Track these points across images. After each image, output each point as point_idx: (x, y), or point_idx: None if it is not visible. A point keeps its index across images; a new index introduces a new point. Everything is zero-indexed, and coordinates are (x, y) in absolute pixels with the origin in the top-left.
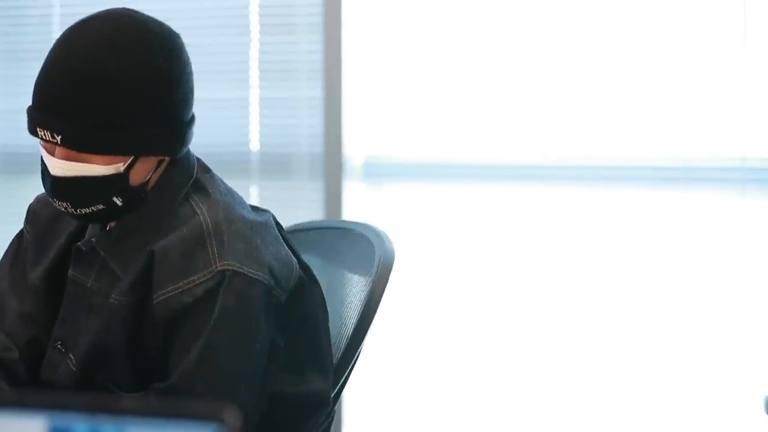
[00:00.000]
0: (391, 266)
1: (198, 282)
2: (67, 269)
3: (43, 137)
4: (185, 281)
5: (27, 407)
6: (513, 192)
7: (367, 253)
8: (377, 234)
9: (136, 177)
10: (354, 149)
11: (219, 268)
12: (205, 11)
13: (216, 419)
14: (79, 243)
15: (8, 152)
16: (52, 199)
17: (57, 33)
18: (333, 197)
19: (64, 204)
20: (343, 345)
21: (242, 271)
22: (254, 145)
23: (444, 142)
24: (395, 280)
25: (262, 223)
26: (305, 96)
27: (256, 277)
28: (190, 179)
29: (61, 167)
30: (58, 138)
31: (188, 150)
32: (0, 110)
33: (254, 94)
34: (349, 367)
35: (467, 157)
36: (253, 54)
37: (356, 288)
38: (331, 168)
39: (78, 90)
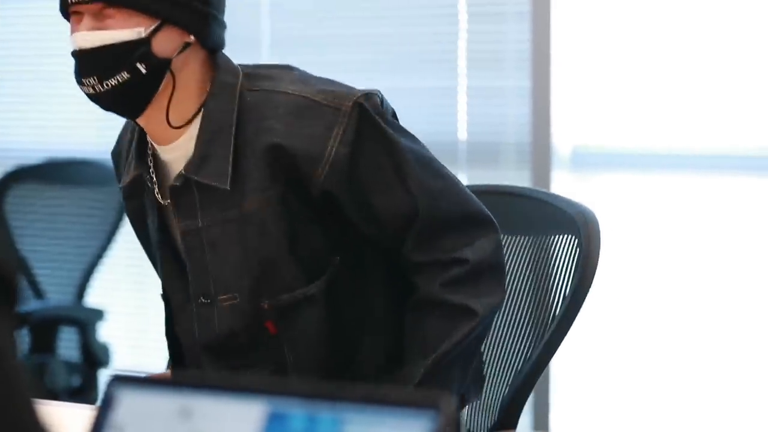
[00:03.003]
0: (597, 227)
1: (339, 132)
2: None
3: (72, 1)
4: (327, 142)
5: (245, 392)
6: (732, 183)
7: (565, 216)
8: (568, 202)
9: (160, 48)
10: (562, 138)
11: (347, 105)
12: (413, 0)
13: (432, 407)
14: (172, 182)
15: None
16: (80, 81)
17: None
18: (540, 187)
19: (92, 80)
20: (559, 312)
21: (363, 102)
22: (462, 134)
23: (656, 130)
24: (602, 273)
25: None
26: (513, 85)
27: (373, 92)
28: (237, 73)
29: (85, 38)
30: None
31: (227, 57)
32: None
33: (462, 83)
34: (563, 336)
35: (681, 146)
36: (461, 43)
37: (565, 250)
38: (538, 157)
39: None
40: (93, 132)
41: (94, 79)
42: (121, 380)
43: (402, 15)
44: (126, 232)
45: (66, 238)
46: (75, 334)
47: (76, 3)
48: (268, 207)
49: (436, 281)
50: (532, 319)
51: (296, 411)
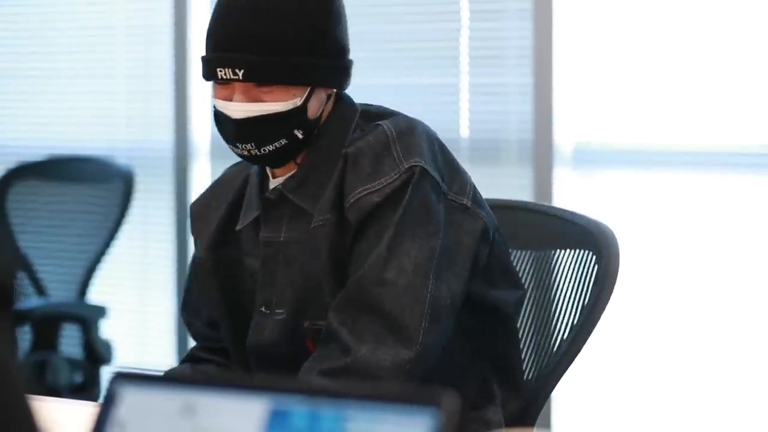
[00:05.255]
0: (617, 244)
1: (386, 183)
2: (230, 238)
3: (223, 77)
4: (374, 183)
5: (248, 389)
6: (735, 181)
7: (579, 230)
8: (596, 224)
9: (312, 111)
10: (564, 135)
11: (407, 166)
12: None
13: (434, 404)
14: (266, 194)
15: None
16: (235, 145)
17: None
18: (542, 184)
19: (248, 146)
20: (568, 336)
21: (429, 169)
22: (464, 132)
23: (658, 128)
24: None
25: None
26: (515, 82)
27: (437, 180)
28: (356, 112)
29: (242, 109)
30: (240, 73)
31: (348, 95)
32: None
33: (464, 81)
34: (572, 360)
35: (683, 143)
36: (463, 40)
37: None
38: (541, 154)
39: (257, 23)
40: (95, 129)
41: (251, 145)
42: (124, 377)
43: (404, 13)
44: (128, 229)
45: (68, 235)
46: (77, 331)
47: (227, 80)
48: (323, 228)
49: (316, 361)
50: (537, 336)
51: (298, 408)
